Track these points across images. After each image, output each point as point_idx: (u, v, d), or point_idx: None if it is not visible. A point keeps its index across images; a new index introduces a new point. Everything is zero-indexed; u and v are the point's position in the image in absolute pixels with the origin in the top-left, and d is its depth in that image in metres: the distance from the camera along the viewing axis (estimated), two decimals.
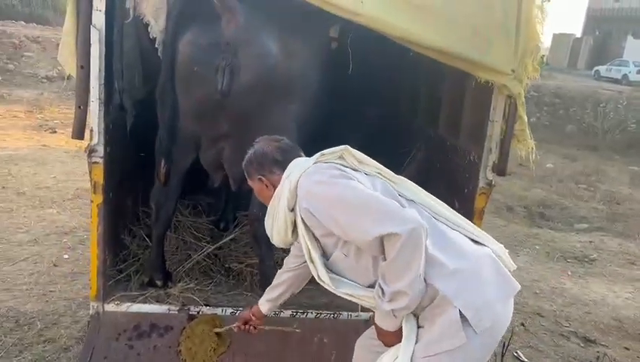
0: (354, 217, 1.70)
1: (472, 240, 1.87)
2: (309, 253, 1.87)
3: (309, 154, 1.97)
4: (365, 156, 1.94)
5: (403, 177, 1.95)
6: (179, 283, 2.97)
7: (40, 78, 13.45)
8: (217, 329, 2.62)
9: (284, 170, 1.91)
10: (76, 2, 2.27)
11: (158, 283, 2.92)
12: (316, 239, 1.87)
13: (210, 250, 3.32)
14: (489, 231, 2.00)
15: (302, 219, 1.83)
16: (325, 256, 1.90)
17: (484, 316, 1.69)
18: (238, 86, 2.49)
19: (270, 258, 2.99)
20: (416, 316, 1.78)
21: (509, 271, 1.86)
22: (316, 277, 1.89)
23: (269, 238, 2.87)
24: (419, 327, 1.78)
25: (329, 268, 1.89)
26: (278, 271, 2.33)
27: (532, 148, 2.56)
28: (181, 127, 2.71)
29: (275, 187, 1.94)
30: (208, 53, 2.47)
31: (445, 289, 1.69)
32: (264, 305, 2.31)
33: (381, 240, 1.65)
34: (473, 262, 1.77)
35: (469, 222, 1.96)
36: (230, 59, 2.45)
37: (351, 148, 1.92)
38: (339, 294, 1.88)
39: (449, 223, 1.88)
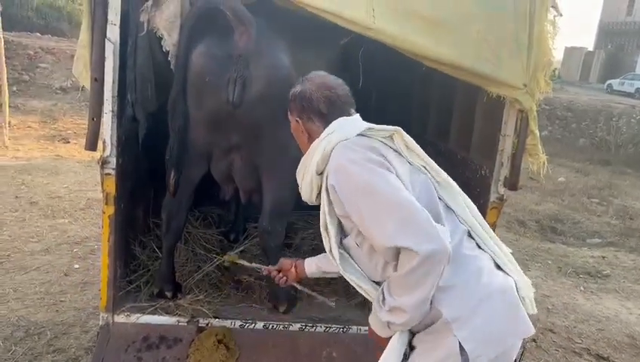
0: (377, 215, 1.54)
1: (497, 265, 1.72)
2: (326, 224, 1.74)
3: None
4: (416, 144, 1.76)
5: (448, 177, 1.79)
6: (188, 294, 2.96)
7: (54, 88, 13.62)
8: (242, 262, 2.43)
9: (325, 125, 1.75)
10: (91, 16, 2.30)
11: (168, 294, 2.92)
12: (336, 215, 1.73)
13: (219, 261, 3.32)
14: None
15: (326, 189, 1.68)
16: (342, 233, 1.77)
17: (484, 352, 1.57)
18: (249, 97, 2.51)
19: None
20: (412, 333, 1.67)
21: (528, 313, 1.69)
22: (327, 250, 1.77)
23: (278, 251, 2.90)
24: (412, 349, 1.67)
25: (342, 246, 1.77)
26: None
27: (544, 163, 2.54)
28: (192, 138, 2.72)
29: (310, 136, 1.79)
30: (221, 65, 2.50)
31: (450, 316, 1.57)
32: (310, 265, 2.09)
33: (397, 250, 1.52)
34: (488, 293, 1.62)
35: (499, 241, 1.80)
36: (242, 70, 2.48)
37: (403, 132, 1.75)
38: (344, 276, 1.76)
39: (479, 240, 1.73)
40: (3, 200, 5.79)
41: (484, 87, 2.50)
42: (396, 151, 1.72)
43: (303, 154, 1.83)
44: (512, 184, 2.66)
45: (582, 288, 5.22)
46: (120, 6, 2.29)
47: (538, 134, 2.53)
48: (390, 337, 1.67)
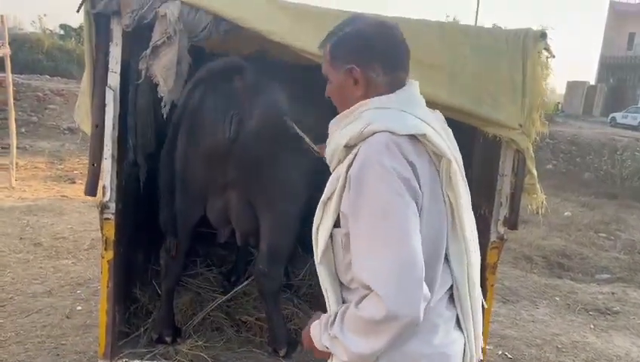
0: (374, 241, 1.33)
1: (458, 321, 1.55)
2: (326, 201, 1.50)
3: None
4: (459, 180, 1.51)
5: (470, 220, 1.59)
6: (188, 339, 2.93)
7: (62, 129, 13.82)
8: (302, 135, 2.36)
9: (389, 83, 1.47)
10: (93, 64, 2.36)
11: (168, 339, 2.89)
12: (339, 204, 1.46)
13: (219, 301, 3.30)
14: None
15: (346, 174, 1.41)
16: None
17: None
18: (244, 132, 2.57)
19: (278, 314, 2.96)
20: None
21: None
22: (314, 228, 1.54)
23: (276, 294, 2.88)
24: None
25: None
26: None
27: (542, 203, 2.54)
28: (189, 177, 2.76)
29: (366, 89, 1.47)
30: (219, 104, 2.58)
31: None
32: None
33: (367, 285, 1.32)
34: (429, 354, 1.45)
35: (479, 293, 1.59)
36: (239, 108, 2.56)
37: (454, 162, 1.49)
38: (317, 268, 1.55)
39: (457, 294, 1.54)
40: (7, 242, 5.81)
41: (480, 128, 2.53)
42: (437, 171, 1.46)
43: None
44: (511, 223, 2.65)
45: (592, 326, 5.12)
46: (120, 55, 2.36)
47: (536, 174, 2.53)
48: (320, 352, 1.52)
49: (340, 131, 1.48)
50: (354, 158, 1.39)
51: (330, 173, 1.53)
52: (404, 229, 1.32)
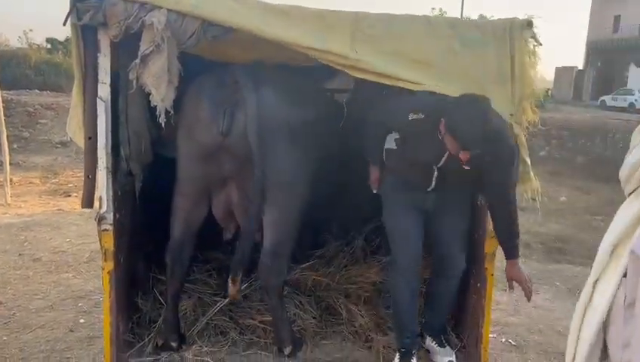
0: None
1: None
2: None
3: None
4: None
5: None
6: (193, 345, 2.94)
7: (54, 143, 13.75)
8: None
9: None
10: (82, 76, 2.37)
11: (174, 344, 2.91)
12: None
13: (221, 305, 3.30)
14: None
15: None
16: None
17: None
18: (238, 126, 2.61)
19: (282, 312, 2.97)
20: None
21: None
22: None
23: (280, 289, 2.90)
24: None
25: None
26: None
27: (537, 190, 2.56)
28: (188, 176, 2.82)
29: None
30: (213, 99, 2.64)
31: None
32: None
33: None
34: None
35: None
36: (233, 102, 2.61)
37: None
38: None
39: None
40: (6, 259, 5.78)
41: None
42: None
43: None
44: None
45: None
46: (109, 66, 2.36)
47: (529, 162, 2.56)
48: None
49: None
50: None
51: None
52: None
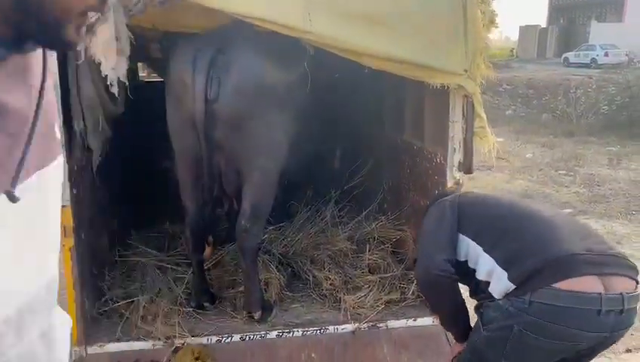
0: None
1: None
2: None
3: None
4: None
5: None
6: (162, 317, 2.93)
7: None
8: None
9: None
10: None
11: (207, 305, 3.05)
12: None
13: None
14: None
15: None
16: None
17: None
18: (224, 92, 2.62)
19: (255, 277, 2.98)
20: None
21: None
22: None
23: (255, 252, 2.92)
24: None
25: None
26: None
27: (494, 144, 2.60)
28: (181, 146, 2.88)
29: None
30: (198, 66, 2.63)
31: None
32: None
33: None
34: None
35: None
36: (219, 69, 2.62)
37: None
38: None
39: None
40: None
41: (427, 80, 2.57)
42: None
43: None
44: (466, 167, 2.72)
45: None
46: None
47: (485, 117, 2.59)
48: None
49: None
50: None
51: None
52: None
